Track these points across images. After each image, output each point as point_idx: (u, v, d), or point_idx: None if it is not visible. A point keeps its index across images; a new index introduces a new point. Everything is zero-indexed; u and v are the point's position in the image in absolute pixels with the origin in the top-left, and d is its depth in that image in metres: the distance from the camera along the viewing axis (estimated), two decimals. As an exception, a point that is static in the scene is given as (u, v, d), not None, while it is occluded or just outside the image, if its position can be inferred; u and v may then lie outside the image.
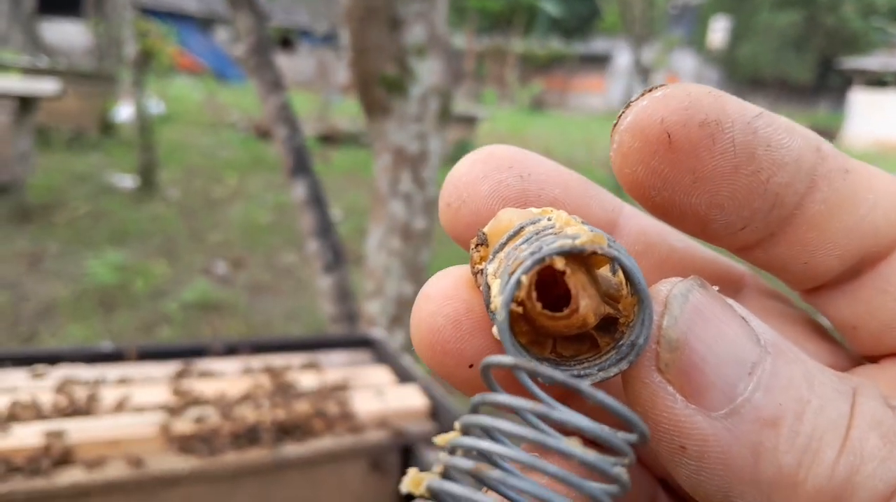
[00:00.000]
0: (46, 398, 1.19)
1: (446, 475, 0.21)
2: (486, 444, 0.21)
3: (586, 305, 0.22)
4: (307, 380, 1.31)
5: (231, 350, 1.45)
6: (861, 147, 16.89)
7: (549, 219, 0.23)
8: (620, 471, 0.21)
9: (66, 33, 16.34)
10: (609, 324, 0.23)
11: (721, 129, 0.24)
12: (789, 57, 24.02)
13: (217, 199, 6.23)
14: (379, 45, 2.17)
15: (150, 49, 5.97)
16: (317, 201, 2.44)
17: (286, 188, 7.05)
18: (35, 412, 1.15)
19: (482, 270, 0.24)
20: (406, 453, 1.23)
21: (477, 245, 0.25)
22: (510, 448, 0.21)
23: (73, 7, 17.49)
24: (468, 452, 0.22)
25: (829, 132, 19.62)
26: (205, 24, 19.17)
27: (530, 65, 25.75)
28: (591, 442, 0.21)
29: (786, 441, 0.21)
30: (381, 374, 1.40)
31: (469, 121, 9.56)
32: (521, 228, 0.24)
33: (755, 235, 0.26)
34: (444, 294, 0.25)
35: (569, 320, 0.22)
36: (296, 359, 1.42)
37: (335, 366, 1.43)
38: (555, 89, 26.50)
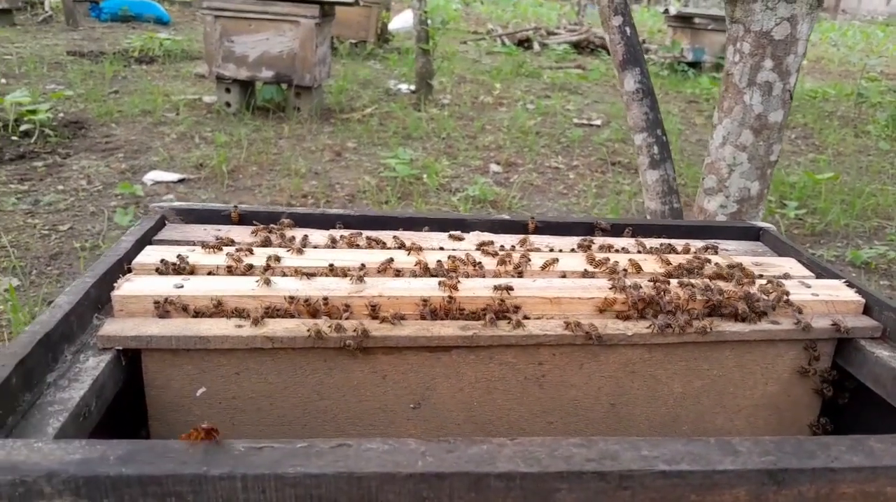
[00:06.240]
0: (476, 257, 1.26)
1: None
2: None
3: None
4: (721, 264, 1.26)
5: (617, 229, 1.44)
6: None
7: None
8: None
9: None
10: None
11: None
12: None
13: (485, 104, 6.36)
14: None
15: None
16: (646, 94, 2.34)
17: (547, 94, 6.99)
18: (473, 269, 1.22)
19: None
20: (839, 346, 1.14)
21: None
22: None
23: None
24: None
25: None
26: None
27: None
28: None
29: None
30: (793, 266, 1.30)
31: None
32: None
33: None
34: None
35: None
36: (692, 243, 1.37)
37: (738, 254, 1.36)
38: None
